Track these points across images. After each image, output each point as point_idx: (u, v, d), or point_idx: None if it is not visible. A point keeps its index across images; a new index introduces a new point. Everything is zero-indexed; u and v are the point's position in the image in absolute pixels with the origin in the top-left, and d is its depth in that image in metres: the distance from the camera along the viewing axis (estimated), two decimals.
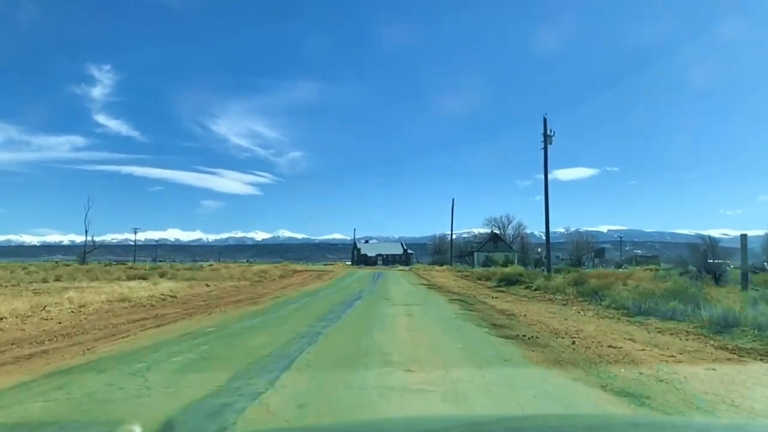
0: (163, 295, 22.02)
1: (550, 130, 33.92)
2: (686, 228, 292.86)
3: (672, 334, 10.78)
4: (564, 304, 19.13)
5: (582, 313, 15.73)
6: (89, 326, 12.15)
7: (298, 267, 70.55)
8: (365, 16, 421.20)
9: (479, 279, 39.88)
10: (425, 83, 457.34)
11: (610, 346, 8.97)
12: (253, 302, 19.11)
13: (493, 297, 21.94)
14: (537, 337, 10.02)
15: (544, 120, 34.11)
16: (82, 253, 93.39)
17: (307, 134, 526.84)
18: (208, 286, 28.05)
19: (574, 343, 9.38)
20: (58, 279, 33.77)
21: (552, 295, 23.26)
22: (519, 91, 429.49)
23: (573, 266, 69.30)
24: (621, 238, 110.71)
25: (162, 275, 36.77)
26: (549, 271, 33.38)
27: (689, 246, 37.11)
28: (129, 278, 34.89)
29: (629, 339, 10.00)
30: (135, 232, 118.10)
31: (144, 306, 18.16)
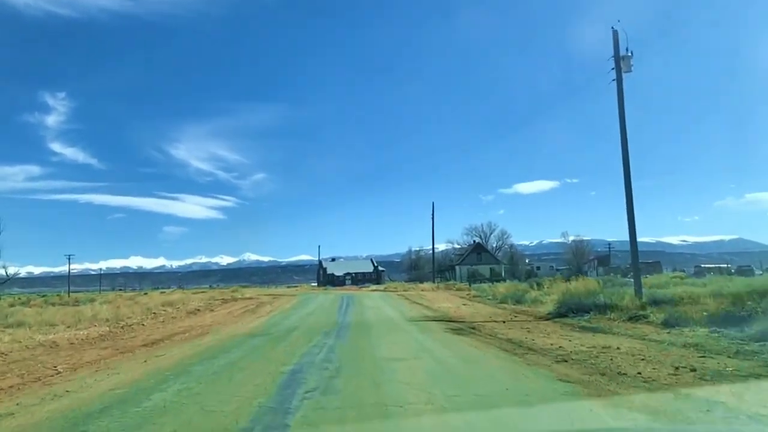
0: None
1: (626, 49, 19.35)
2: (647, 236, 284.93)
3: None
4: None
5: None
6: None
7: (249, 292, 54.33)
8: (329, 33, 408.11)
9: (502, 302, 24.75)
10: (390, 102, 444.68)
11: None
12: None
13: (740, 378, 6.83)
14: None
15: (614, 34, 19.56)
16: None
17: (270, 155, 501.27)
18: None
19: None
20: None
21: None
22: (481, 108, 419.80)
23: (574, 276, 55.16)
24: (610, 245, 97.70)
25: None
26: (639, 289, 18.46)
27: None
28: None
29: None
30: (69, 260, 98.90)
31: None
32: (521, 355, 8.75)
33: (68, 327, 17.25)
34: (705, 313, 13.15)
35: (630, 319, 14.79)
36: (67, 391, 7.21)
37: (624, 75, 19.48)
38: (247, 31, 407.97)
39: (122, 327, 17.47)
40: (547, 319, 16.85)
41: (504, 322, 15.94)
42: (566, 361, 8.02)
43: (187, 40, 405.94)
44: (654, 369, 7.56)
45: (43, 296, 70.34)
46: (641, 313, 14.99)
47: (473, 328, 13.78)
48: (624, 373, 7.20)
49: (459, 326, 14.41)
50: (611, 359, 8.50)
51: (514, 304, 23.33)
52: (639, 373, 7.25)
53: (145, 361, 9.72)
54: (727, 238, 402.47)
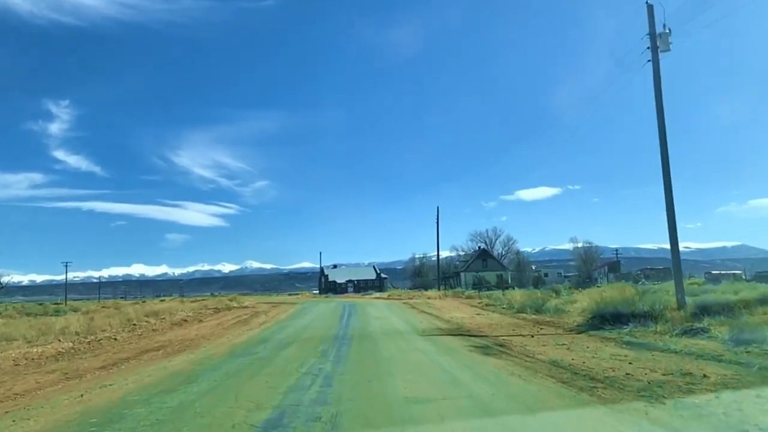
0: None
1: (663, 25, 17.05)
2: (649, 243, 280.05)
3: None
4: None
5: None
6: None
7: (248, 300, 51.94)
8: (330, 40, 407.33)
9: (520, 312, 22.29)
10: (391, 109, 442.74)
11: None
12: None
13: None
14: None
15: (649, 8, 17.28)
16: None
17: (272, 163, 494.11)
18: None
19: None
20: None
21: None
22: (483, 119, 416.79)
23: (584, 282, 52.46)
24: (617, 252, 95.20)
25: None
26: (683, 296, 15.99)
27: None
28: None
29: None
30: (66, 268, 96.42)
31: None
32: (588, 390, 6.32)
33: (28, 342, 14.90)
34: None
35: (684, 333, 12.39)
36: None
37: (661, 55, 17.21)
38: (249, 39, 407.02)
39: (89, 342, 15.08)
40: (580, 332, 14.47)
41: (532, 336, 13.53)
42: (663, 403, 5.58)
43: (190, 48, 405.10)
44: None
45: (40, 304, 67.96)
46: (698, 325, 12.57)
47: (501, 345, 11.35)
48: (764, 429, 4.79)
49: (483, 342, 11.97)
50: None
51: (533, 314, 20.90)
52: None
53: (82, 396, 7.32)
54: (730, 244, 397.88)
